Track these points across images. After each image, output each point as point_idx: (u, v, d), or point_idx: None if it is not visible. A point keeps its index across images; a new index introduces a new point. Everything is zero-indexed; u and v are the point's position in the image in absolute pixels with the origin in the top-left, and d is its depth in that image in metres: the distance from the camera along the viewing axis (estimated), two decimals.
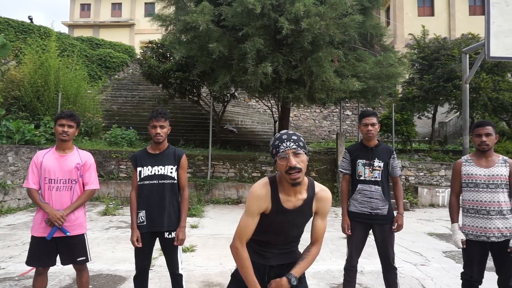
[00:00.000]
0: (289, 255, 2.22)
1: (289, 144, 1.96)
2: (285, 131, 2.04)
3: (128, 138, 12.26)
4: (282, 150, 1.95)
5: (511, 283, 3.13)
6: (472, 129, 3.35)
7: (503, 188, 3.17)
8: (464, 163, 3.36)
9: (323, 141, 19.05)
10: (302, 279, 2.18)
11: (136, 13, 32.93)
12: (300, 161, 1.96)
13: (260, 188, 2.07)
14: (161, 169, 3.28)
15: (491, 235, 3.14)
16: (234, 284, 2.21)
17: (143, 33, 31.21)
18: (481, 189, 3.21)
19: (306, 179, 2.12)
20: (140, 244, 3.18)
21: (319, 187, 2.17)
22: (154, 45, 14.17)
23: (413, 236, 7.22)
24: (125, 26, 32.74)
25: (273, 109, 15.58)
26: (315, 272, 4.95)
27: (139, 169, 3.30)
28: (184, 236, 3.25)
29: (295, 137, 1.99)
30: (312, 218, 2.20)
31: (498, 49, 7.65)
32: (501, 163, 3.23)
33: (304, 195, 2.10)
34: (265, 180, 2.12)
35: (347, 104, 18.76)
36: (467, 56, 8.48)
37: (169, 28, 10.89)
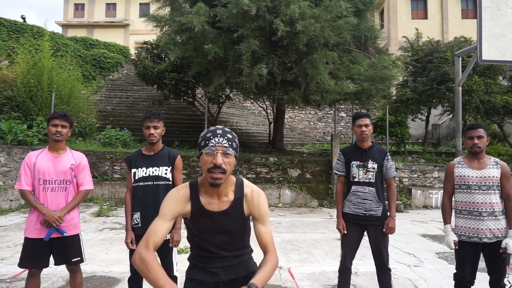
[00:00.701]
0: (240, 267, 1.99)
1: (222, 141, 1.77)
2: (222, 127, 1.85)
3: (123, 139, 12.21)
4: (212, 144, 1.76)
5: (503, 283, 3.16)
6: (465, 131, 3.39)
7: (495, 190, 3.20)
8: (456, 165, 3.40)
9: (318, 142, 19.11)
10: None
11: (130, 13, 32.83)
12: (227, 162, 1.77)
13: (176, 190, 1.92)
14: (155, 170, 3.28)
15: (483, 236, 3.17)
16: None
17: (138, 33, 31.12)
18: (473, 191, 3.24)
19: (233, 178, 1.93)
20: (135, 246, 3.17)
21: (249, 188, 1.95)
22: (149, 46, 14.15)
23: (407, 237, 7.27)
24: (120, 27, 32.62)
25: (268, 111, 15.61)
26: (309, 273, 4.97)
27: (133, 170, 3.29)
28: (180, 238, 3.25)
29: (230, 136, 1.81)
30: (252, 225, 1.99)
31: (490, 52, 7.75)
32: (493, 165, 3.27)
33: (230, 197, 1.90)
34: (184, 183, 1.96)
35: (341, 106, 18.85)
36: (460, 59, 8.57)
37: (164, 29, 10.89)
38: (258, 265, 1.95)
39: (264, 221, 1.95)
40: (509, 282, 3.19)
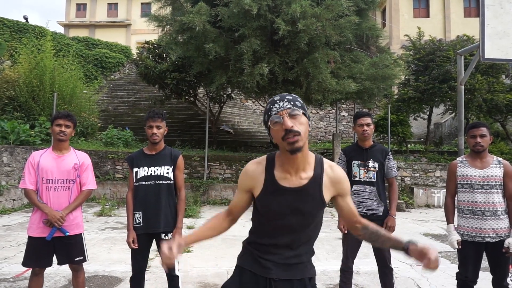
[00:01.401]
0: (297, 268, 1.76)
1: (283, 104, 1.61)
2: (279, 94, 1.70)
3: (124, 139, 12.23)
4: (275, 112, 1.61)
5: (505, 283, 3.16)
6: (467, 130, 3.38)
7: (497, 189, 3.19)
8: (459, 164, 3.39)
9: (319, 142, 19.09)
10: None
11: (132, 13, 32.88)
12: (298, 123, 1.59)
13: (252, 163, 1.79)
14: (157, 169, 3.28)
15: (486, 235, 3.16)
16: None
17: (140, 33, 31.16)
18: (476, 190, 3.24)
19: (312, 155, 1.76)
20: (136, 245, 3.18)
21: (327, 164, 1.77)
22: (150, 46, 14.15)
23: (409, 236, 7.25)
24: (121, 26, 32.67)
25: None
26: None
27: (135, 170, 3.29)
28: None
29: (290, 97, 1.65)
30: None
31: (493, 50, 7.71)
32: (496, 164, 3.26)
33: (308, 174, 1.71)
34: (262, 157, 1.80)
35: (343, 105, 18.82)
36: (462, 57, 8.54)
37: (165, 29, 10.88)
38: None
39: (349, 196, 1.83)
40: None
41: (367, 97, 11.10)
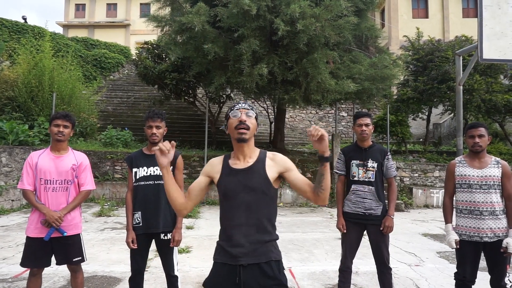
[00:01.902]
0: (262, 253, 2.02)
1: (243, 105, 2.15)
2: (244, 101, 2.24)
3: (124, 139, 12.23)
4: (236, 108, 2.12)
5: (503, 283, 3.16)
6: (466, 130, 3.39)
7: (495, 189, 3.20)
8: (457, 164, 3.40)
9: None
10: (267, 275, 2.00)
11: (131, 13, 32.86)
12: (250, 121, 2.10)
13: (215, 158, 2.26)
14: (156, 169, 3.28)
15: (484, 235, 3.17)
16: None
17: (139, 33, 31.14)
18: (474, 190, 3.24)
19: (258, 150, 2.22)
20: (136, 245, 3.18)
21: (271, 153, 2.22)
22: (149, 46, 14.16)
23: (408, 236, 7.27)
24: (120, 27, 32.65)
25: (269, 110, 15.61)
26: (310, 272, 4.97)
27: (134, 170, 3.29)
28: (181, 237, 3.25)
29: (250, 104, 2.20)
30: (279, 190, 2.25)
31: (491, 51, 7.71)
32: (494, 164, 3.26)
33: (254, 159, 2.16)
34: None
35: (342, 106, 18.84)
36: (461, 58, 8.55)
37: (164, 29, 10.89)
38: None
39: (294, 170, 2.16)
40: (510, 281, 3.19)
41: (366, 97, 11.11)
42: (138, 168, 3.28)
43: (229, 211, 2.08)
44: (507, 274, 3.20)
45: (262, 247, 2.02)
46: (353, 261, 3.66)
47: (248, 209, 2.03)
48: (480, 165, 3.28)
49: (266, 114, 16.17)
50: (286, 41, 9.00)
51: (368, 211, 3.53)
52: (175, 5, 10.81)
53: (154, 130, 3.25)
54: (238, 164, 2.14)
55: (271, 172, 2.10)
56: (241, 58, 9.04)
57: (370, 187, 3.55)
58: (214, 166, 2.19)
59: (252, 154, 2.16)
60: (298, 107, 12.45)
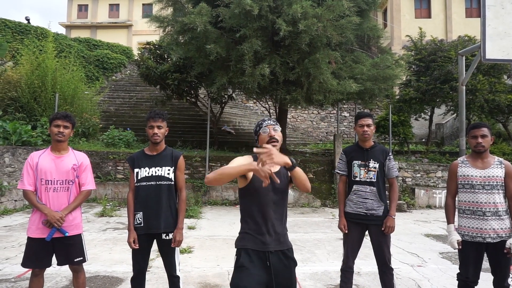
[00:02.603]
0: (284, 241, 2.43)
1: (270, 122, 2.47)
2: (267, 117, 2.46)
3: (126, 139, 12.25)
4: (265, 125, 2.43)
5: (506, 283, 3.14)
6: (468, 130, 3.37)
7: (498, 189, 3.19)
8: (460, 165, 3.38)
9: (321, 142, 19.08)
10: (288, 257, 2.44)
11: (133, 14, 32.93)
12: (277, 135, 2.41)
13: (245, 156, 2.52)
14: (158, 170, 3.28)
15: (487, 236, 3.15)
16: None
17: (141, 34, 31.21)
18: (477, 190, 3.23)
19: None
20: (137, 245, 3.18)
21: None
22: (151, 46, 14.17)
23: (410, 237, 7.24)
24: (123, 27, 32.72)
25: (271, 111, 15.60)
26: (312, 273, 4.96)
27: (136, 170, 3.29)
28: (182, 238, 3.25)
29: (274, 120, 2.51)
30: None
31: (494, 51, 7.68)
32: (497, 164, 3.25)
33: (278, 167, 2.46)
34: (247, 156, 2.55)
35: (344, 106, 18.80)
36: (464, 58, 8.52)
37: (166, 30, 10.90)
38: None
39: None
40: None
41: (368, 97, 11.09)
42: (140, 168, 3.29)
43: (259, 206, 2.38)
44: (510, 275, 3.18)
45: (284, 237, 2.44)
46: (355, 261, 3.65)
47: (275, 206, 2.40)
48: (483, 166, 3.27)
49: (268, 114, 16.15)
50: (288, 41, 8.99)
51: (370, 212, 3.52)
52: (177, 5, 10.82)
53: (156, 130, 3.25)
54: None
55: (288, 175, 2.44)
56: (243, 58, 9.04)
57: (372, 187, 3.55)
58: (246, 160, 2.43)
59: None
60: (300, 107, 12.44)
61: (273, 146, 2.32)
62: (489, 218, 3.16)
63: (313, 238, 6.99)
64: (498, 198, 3.17)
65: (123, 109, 17.39)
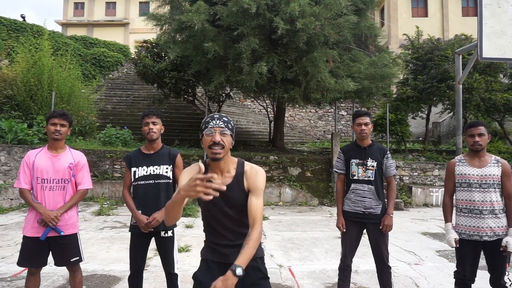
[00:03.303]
0: None
1: (218, 122, 2.08)
2: (219, 113, 2.14)
3: (123, 138, 12.22)
4: (210, 126, 2.06)
5: (503, 281, 3.16)
6: (465, 129, 3.38)
7: (495, 188, 3.20)
8: (457, 163, 3.39)
9: (318, 141, 19.11)
10: (255, 269, 2.16)
11: (130, 12, 32.82)
12: (224, 139, 2.06)
13: (192, 166, 2.20)
14: (156, 169, 3.28)
15: (484, 234, 3.17)
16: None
17: (138, 32, 31.11)
18: (474, 189, 3.24)
19: (235, 159, 2.21)
20: (151, 222, 3.14)
21: (249, 166, 2.21)
22: (149, 45, 14.13)
23: (407, 235, 7.26)
24: (120, 25, 32.60)
25: (269, 109, 15.61)
26: (310, 271, 4.97)
27: (133, 169, 3.29)
28: (161, 219, 3.16)
29: (226, 119, 2.11)
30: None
31: (490, 50, 7.70)
32: (494, 163, 3.26)
33: (232, 173, 2.16)
34: (196, 163, 2.14)
35: (342, 104, 18.83)
36: (460, 57, 8.54)
37: (164, 28, 10.87)
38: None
39: (258, 194, 2.13)
40: (509, 280, 3.19)
41: (365, 96, 11.11)
42: (137, 167, 3.28)
43: (212, 223, 2.18)
44: (507, 272, 3.20)
45: None
46: (353, 259, 3.66)
47: (232, 219, 2.15)
48: (480, 164, 3.28)
49: (266, 113, 16.15)
50: (286, 40, 8.99)
51: (368, 210, 3.53)
52: (174, 3, 10.79)
53: (151, 126, 3.26)
54: (216, 179, 2.11)
55: (247, 185, 2.16)
56: (240, 57, 9.02)
57: (370, 186, 3.55)
58: (190, 174, 2.14)
59: (230, 168, 2.17)
60: (297, 106, 12.46)
61: (215, 153, 2.03)
62: (486, 216, 3.17)
63: (311, 236, 7.00)
64: (495, 197, 3.19)
65: (120, 108, 17.35)
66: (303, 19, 8.50)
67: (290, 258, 5.61)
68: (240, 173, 2.16)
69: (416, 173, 11.81)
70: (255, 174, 2.16)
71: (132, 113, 16.48)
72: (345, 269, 3.60)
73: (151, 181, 3.26)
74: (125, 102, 17.99)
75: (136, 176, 3.27)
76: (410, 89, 13.62)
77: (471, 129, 3.31)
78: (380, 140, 15.19)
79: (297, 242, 6.56)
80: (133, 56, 17.60)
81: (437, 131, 19.12)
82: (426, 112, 15.10)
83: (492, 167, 3.23)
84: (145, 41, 14.49)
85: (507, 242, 3.06)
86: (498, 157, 3.33)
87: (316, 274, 4.90)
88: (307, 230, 7.59)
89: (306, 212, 9.64)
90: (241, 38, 9.02)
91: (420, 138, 17.73)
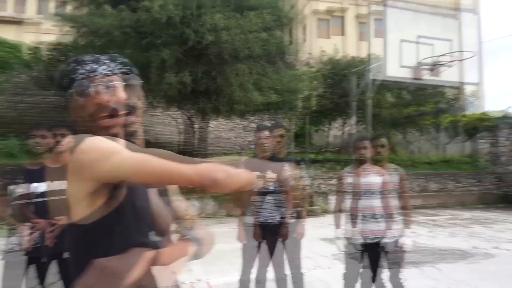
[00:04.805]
0: None
1: (115, 66, 1.17)
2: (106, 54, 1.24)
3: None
4: (103, 73, 1.14)
5: (382, 279, 3.73)
6: (353, 143, 3.95)
7: (377, 195, 3.76)
8: (346, 174, 3.95)
9: (237, 152, 19.31)
10: None
11: (27, 9, 30.50)
12: (135, 97, 1.19)
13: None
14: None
15: (368, 237, 3.71)
16: None
17: (34, 32, 28.96)
18: (361, 196, 3.78)
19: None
20: None
21: None
22: (52, 47, 13.32)
23: (307, 242, 7.59)
24: (12, 23, 30.07)
25: (178, 120, 15.62)
26: (228, 283, 4.97)
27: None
28: None
29: (125, 60, 1.22)
30: None
31: (393, 69, 8.87)
32: (376, 173, 3.83)
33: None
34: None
35: (252, 117, 19.29)
36: (355, 77, 9.67)
37: (79, 31, 10.49)
38: None
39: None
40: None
41: (274, 109, 11.74)
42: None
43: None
44: (389, 271, 3.74)
45: None
46: (252, 271, 3.97)
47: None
48: (365, 174, 3.83)
49: (181, 123, 16.03)
50: (197, 52, 9.24)
51: (267, 221, 3.87)
52: (92, 6, 10.44)
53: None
54: None
55: None
56: (151, 66, 9.05)
57: (269, 197, 3.89)
58: None
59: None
60: (215, 116, 12.69)
61: (130, 123, 1.21)
62: (369, 221, 3.72)
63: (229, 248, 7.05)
64: (376, 203, 3.75)
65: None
66: (215, 32, 8.84)
67: (209, 271, 5.56)
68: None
69: (318, 183, 12.90)
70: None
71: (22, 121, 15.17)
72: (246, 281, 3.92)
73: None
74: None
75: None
76: (329, 102, 14.88)
77: (357, 143, 3.90)
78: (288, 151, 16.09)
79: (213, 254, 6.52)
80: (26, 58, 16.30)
81: (352, 142, 20.75)
82: (340, 124, 16.72)
83: (374, 177, 3.80)
84: (58, 44, 13.56)
85: (402, 242, 3.64)
86: (379, 167, 3.88)
87: (235, 285, 4.91)
88: (222, 241, 7.63)
89: (215, 224, 9.70)
90: (152, 47, 9.06)
91: (337, 148, 19.14)
